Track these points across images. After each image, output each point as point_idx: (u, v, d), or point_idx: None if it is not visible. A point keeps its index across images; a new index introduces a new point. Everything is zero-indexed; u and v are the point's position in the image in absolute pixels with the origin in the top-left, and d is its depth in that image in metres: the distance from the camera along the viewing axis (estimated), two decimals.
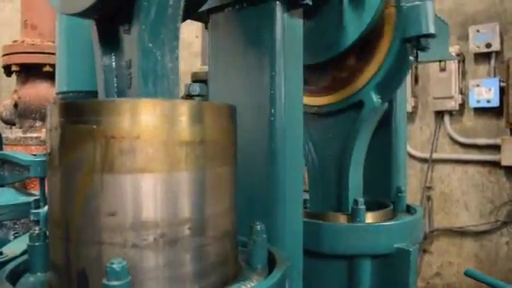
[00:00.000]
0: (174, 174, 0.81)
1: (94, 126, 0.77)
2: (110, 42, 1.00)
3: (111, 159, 0.77)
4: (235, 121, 0.96)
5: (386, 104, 1.74)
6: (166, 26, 0.92)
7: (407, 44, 1.57)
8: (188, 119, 0.82)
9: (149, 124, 0.78)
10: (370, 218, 1.59)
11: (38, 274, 0.97)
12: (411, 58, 1.59)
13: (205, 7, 1.34)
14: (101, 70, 1.00)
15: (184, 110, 0.82)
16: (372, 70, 1.65)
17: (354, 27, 1.58)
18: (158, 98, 0.89)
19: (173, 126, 0.80)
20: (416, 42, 1.56)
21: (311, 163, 1.83)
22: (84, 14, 0.93)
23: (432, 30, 1.51)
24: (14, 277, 0.96)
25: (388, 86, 1.66)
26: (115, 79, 1.00)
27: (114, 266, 0.72)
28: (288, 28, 1.26)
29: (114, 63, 1.00)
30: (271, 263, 1.01)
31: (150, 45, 0.89)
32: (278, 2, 1.23)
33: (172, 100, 0.85)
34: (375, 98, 1.65)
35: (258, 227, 1.01)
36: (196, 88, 1.09)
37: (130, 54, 0.94)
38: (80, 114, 0.80)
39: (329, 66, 1.73)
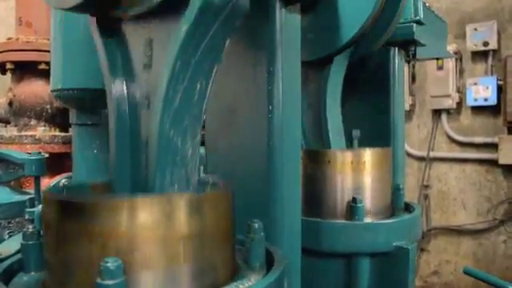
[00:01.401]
0: (172, 268, 0.79)
1: (90, 225, 0.75)
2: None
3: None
4: (234, 202, 0.94)
5: None
6: (190, 112, 0.84)
7: None
8: (185, 214, 0.81)
9: (145, 222, 0.77)
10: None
11: (32, 273, 0.95)
12: None
13: None
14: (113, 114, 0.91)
15: (181, 205, 0.81)
16: None
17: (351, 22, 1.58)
18: (164, 190, 0.84)
19: (170, 222, 0.79)
20: None
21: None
22: (77, 9, 0.91)
23: None
24: (7, 276, 0.94)
25: None
26: (129, 137, 0.91)
27: (109, 264, 0.70)
28: (286, 24, 1.24)
29: (127, 107, 0.91)
30: (269, 262, 0.99)
31: (171, 133, 0.82)
32: None
33: (169, 195, 0.82)
34: None
35: (256, 225, 0.99)
36: None
37: (146, 131, 0.86)
38: (76, 211, 0.78)
39: None
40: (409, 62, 2.95)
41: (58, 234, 0.81)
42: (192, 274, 0.82)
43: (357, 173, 1.56)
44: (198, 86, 0.83)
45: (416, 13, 2.00)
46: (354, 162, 1.55)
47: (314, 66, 1.80)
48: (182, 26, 0.77)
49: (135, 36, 0.89)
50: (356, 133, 1.76)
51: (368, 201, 1.57)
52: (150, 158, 0.85)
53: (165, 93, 0.80)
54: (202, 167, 1.31)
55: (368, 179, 1.57)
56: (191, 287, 0.82)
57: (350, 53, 1.81)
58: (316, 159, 1.61)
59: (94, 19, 0.94)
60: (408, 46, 2.08)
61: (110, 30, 0.93)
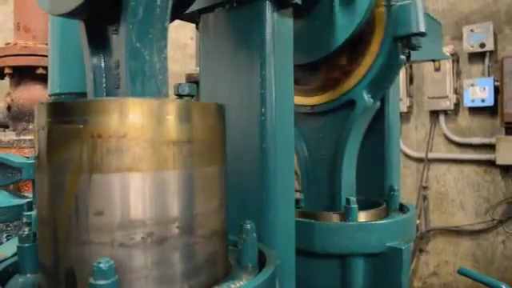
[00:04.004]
0: (161, 172, 0.81)
1: (81, 126, 0.77)
2: (99, 42, 1.00)
3: (98, 158, 0.77)
4: (224, 120, 0.96)
5: (378, 103, 1.74)
6: (153, 25, 0.91)
7: (398, 43, 1.58)
8: (175, 118, 0.82)
9: (136, 123, 0.78)
10: (362, 217, 1.59)
11: (28, 275, 0.96)
12: (402, 56, 1.60)
13: (195, 7, 1.34)
14: (90, 71, 0.99)
15: (171, 108, 0.82)
16: (363, 69, 1.66)
17: (344, 27, 1.59)
18: (145, 97, 0.88)
19: (160, 125, 0.80)
20: (407, 41, 1.57)
21: (304, 163, 1.84)
22: (72, 14, 0.93)
23: (422, 29, 1.52)
24: (4, 278, 0.96)
25: (379, 85, 1.67)
26: (104, 79, 0.99)
27: (101, 265, 0.72)
28: (278, 27, 1.26)
29: (103, 63, 1.00)
30: (262, 262, 1.01)
31: (138, 44, 0.88)
32: (267, 2, 1.23)
33: (159, 99, 0.85)
34: (366, 97, 1.66)
35: (248, 226, 1.01)
36: (185, 88, 1.09)
37: (118, 54, 0.94)
38: (66, 113, 0.80)
39: (320, 65, 1.73)
40: (404, 64, 2.96)
41: (50, 137, 0.82)
42: (180, 181, 0.83)
43: None
44: (159, 1, 0.91)
45: None
46: None
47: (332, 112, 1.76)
48: None
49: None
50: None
51: None
52: (121, 72, 0.91)
53: (129, 6, 0.87)
54: None
55: None
56: (179, 192, 0.83)
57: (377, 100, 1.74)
58: None
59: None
60: None
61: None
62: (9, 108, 2.75)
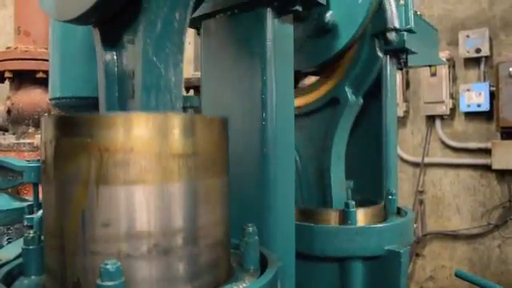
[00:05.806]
0: (166, 185, 0.82)
1: (89, 140, 0.78)
2: (113, 47, 0.98)
3: (105, 171, 0.78)
4: (227, 133, 0.97)
5: (361, 99, 1.79)
6: (171, 39, 0.90)
7: (375, 39, 1.68)
8: (180, 132, 0.84)
9: (141, 137, 0.80)
10: (361, 215, 1.63)
11: (33, 277, 0.97)
12: (380, 54, 1.70)
13: (197, 13, 1.36)
14: (103, 76, 0.97)
15: (176, 123, 0.84)
16: (344, 66, 1.73)
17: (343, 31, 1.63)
18: (150, 112, 0.87)
19: (165, 138, 0.82)
20: (384, 37, 1.67)
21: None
22: (79, 20, 0.94)
23: (397, 25, 1.58)
24: (9, 280, 0.97)
25: (361, 81, 1.76)
26: (116, 88, 0.97)
27: (108, 266, 0.73)
28: (278, 34, 1.28)
29: (116, 70, 0.98)
30: (263, 265, 1.02)
31: (154, 58, 0.88)
32: (268, 9, 1.26)
33: (164, 113, 0.85)
34: (349, 93, 1.73)
35: (250, 229, 1.02)
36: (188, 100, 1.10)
37: (133, 64, 0.93)
38: (74, 127, 0.81)
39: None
40: (401, 70, 2.99)
41: (58, 150, 0.82)
42: (185, 194, 0.84)
43: None
44: (177, 15, 0.89)
45: (407, 22, 2.05)
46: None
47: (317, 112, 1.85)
48: None
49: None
50: (349, 184, 1.82)
51: None
52: (136, 83, 0.90)
53: (147, 19, 0.86)
54: None
55: None
56: (184, 204, 0.84)
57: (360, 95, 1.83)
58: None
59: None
60: (399, 54, 2.12)
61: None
62: (9, 112, 2.75)
